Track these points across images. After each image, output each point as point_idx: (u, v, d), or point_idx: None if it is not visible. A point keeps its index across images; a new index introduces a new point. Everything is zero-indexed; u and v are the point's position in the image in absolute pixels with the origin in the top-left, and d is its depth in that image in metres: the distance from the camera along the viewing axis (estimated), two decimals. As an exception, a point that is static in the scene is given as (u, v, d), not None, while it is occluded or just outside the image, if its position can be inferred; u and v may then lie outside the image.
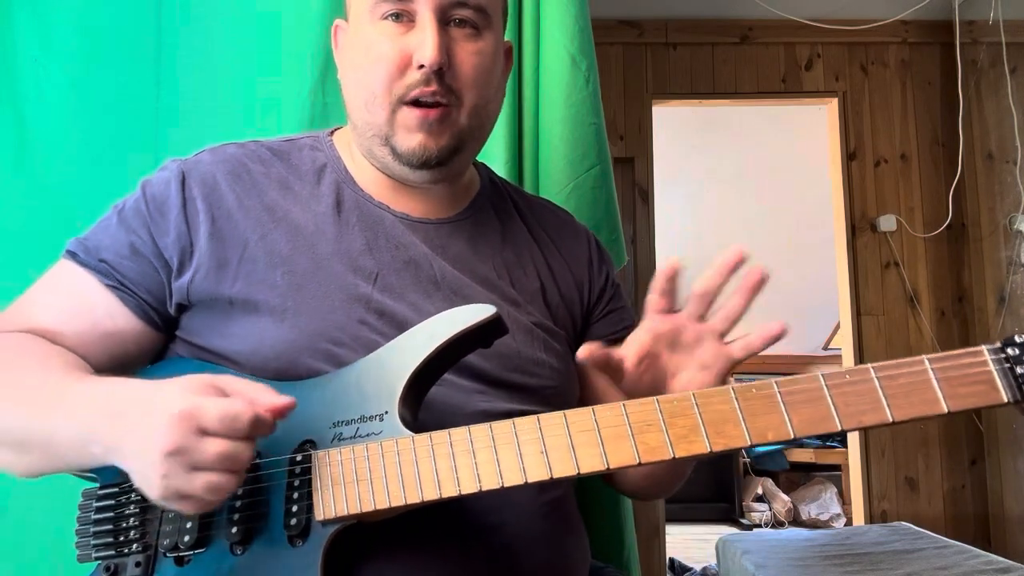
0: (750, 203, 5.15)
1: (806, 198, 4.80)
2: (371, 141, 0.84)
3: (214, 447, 0.59)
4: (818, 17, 3.49)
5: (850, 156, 3.58)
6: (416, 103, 0.79)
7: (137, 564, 0.69)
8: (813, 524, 4.63)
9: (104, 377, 0.71)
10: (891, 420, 0.58)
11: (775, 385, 0.61)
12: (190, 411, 0.60)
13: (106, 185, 1.21)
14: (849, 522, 4.30)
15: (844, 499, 4.75)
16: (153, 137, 1.27)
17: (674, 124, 4.29)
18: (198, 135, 1.23)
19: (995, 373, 0.58)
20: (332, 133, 0.94)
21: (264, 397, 0.63)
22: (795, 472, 5.11)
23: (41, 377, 0.71)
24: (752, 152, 4.90)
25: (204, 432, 0.59)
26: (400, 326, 0.76)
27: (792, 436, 0.60)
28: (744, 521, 4.70)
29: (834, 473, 4.97)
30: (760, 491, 4.91)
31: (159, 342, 0.84)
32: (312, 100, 1.28)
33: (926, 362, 0.59)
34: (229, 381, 0.65)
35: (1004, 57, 3.24)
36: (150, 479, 0.61)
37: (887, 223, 3.49)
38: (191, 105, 1.28)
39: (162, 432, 0.59)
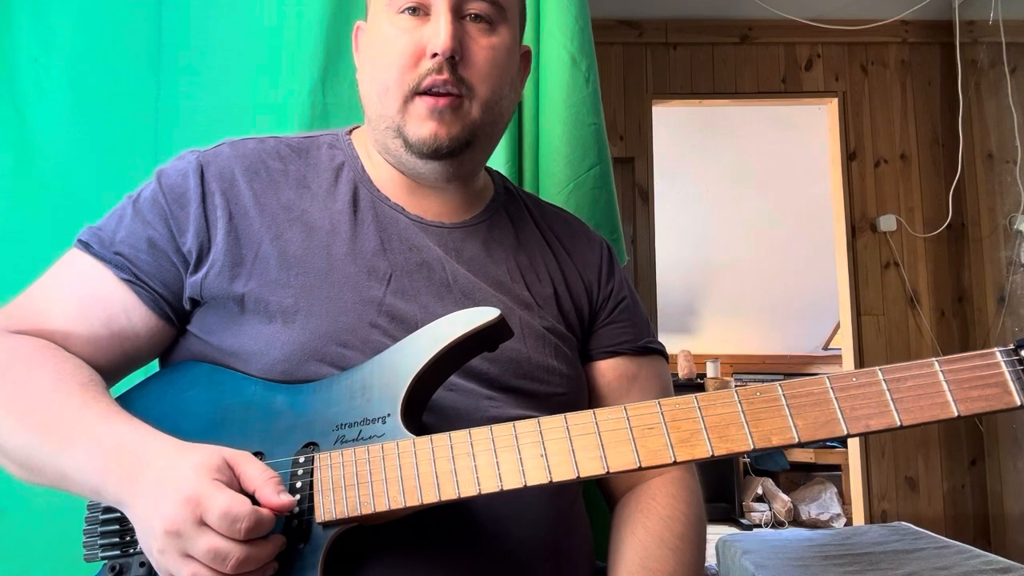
0: (750, 203, 5.15)
1: (806, 198, 4.80)
2: (385, 134, 0.84)
3: (206, 542, 0.59)
4: (818, 17, 3.49)
5: (850, 156, 3.57)
6: (428, 92, 0.79)
7: (142, 564, 0.69)
8: (813, 524, 4.62)
9: (122, 416, 0.69)
10: (899, 424, 0.57)
11: (780, 388, 0.60)
12: (197, 498, 0.60)
13: (106, 185, 1.21)
14: (849, 522, 4.30)
15: (844, 499, 4.75)
16: (153, 137, 1.26)
17: (674, 124, 4.29)
18: (198, 135, 1.23)
19: (1008, 376, 0.55)
20: (350, 132, 0.93)
21: (267, 491, 0.63)
22: (795, 472, 5.11)
23: (56, 403, 0.70)
24: (752, 152, 4.89)
25: (203, 523, 0.60)
26: (411, 329, 0.76)
27: (797, 440, 0.59)
28: (744, 521, 4.69)
29: (834, 473, 4.97)
30: (760, 491, 4.91)
31: (171, 337, 0.83)
32: (312, 100, 1.28)
33: (936, 364, 0.57)
34: (244, 462, 0.65)
35: (1004, 57, 3.23)
36: (150, 548, 0.63)
37: (887, 223, 3.49)
38: (191, 105, 1.27)
39: (168, 510, 0.60)
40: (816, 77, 3.62)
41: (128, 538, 0.70)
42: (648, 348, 0.93)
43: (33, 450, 0.69)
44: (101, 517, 0.72)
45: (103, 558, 0.71)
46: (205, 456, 0.63)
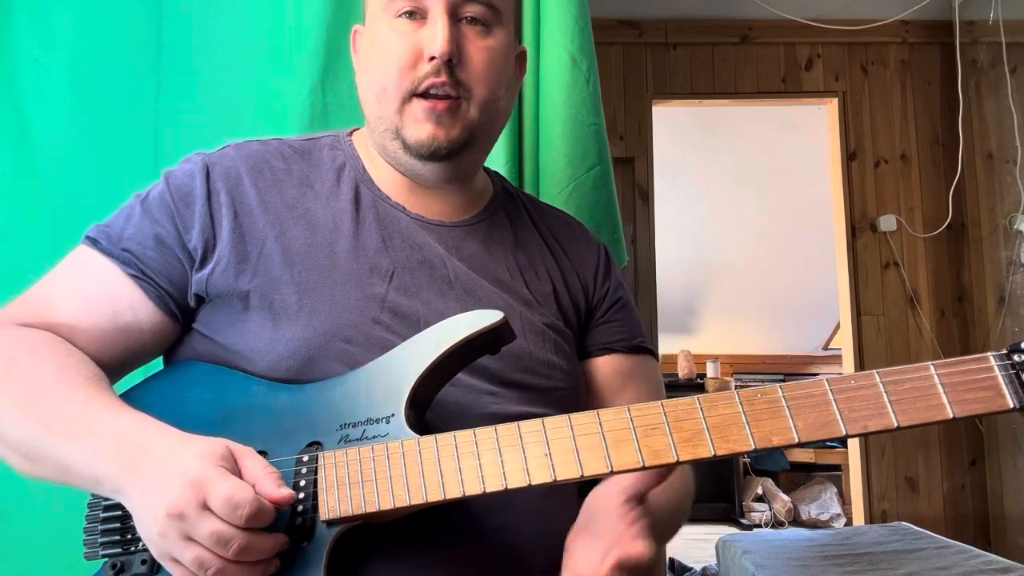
0: (750, 203, 5.15)
1: (806, 198, 4.80)
2: (383, 136, 0.85)
3: (208, 525, 0.60)
4: (818, 17, 3.49)
5: (850, 156, 3.58)
6: (426, 95, 0.81)
7: (143, 562, 0.69)
8: (813, 524, 4.63)
9: (126, 409, 0.70)
10: (896, 426, 0.58)
11: (780, 390, 0.61)
12: (200, 481, 0.60)
13: (106, 185, 1.21)
14: (849, 522, 4.31)
15: (844, 499, 4.76)
16: (153, 137, 1.27)
17: (674, 124, 4.29)
18: (198, 135, 1.23)
19: (1001, 379, 0.58)
20: (351, 133, 0.95)
21: (267, 485, 0.63)
22: (795, 472, 5.12)
23: (61, 395, 0.70)
24: (752, 152, 4.90)
25: (206, 507, 0.60)
26: (414, 325, 0.77)
27: (797, 441, 0.60)
28: (744, 521, 4.70)
29: (834, 473, 4.98)
30: (760, 491, 4.91)
31: (175, 334, 0.84)
32: (312, 100, 1.28)
33: (932, 368, 0.59)
34: (246, 456, 0.65)
35: (1004, 57, 3.24)
36: (150, 532, 0.63)
37: (887, 223, 3.50)
38: (191, 105, 1.28)
39: (171, 493, 0.60)
40: (816, 77, 3.62)
41: (129, 535, 0.70)
42: (641, 347, 0.96)
43: (37, 441, 0.70)
44: (102, 515, 0.72)
45: (104, 556, 0.71)
46: (210, 444, 0.64)
